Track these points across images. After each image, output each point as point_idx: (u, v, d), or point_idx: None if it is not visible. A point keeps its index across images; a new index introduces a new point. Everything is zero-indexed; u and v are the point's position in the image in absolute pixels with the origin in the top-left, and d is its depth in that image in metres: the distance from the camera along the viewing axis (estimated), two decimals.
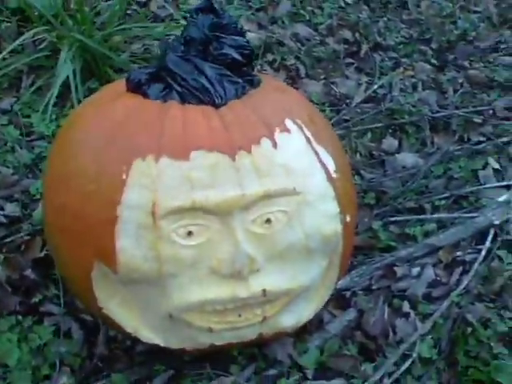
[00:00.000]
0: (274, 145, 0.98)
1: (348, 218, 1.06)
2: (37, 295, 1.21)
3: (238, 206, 0.95)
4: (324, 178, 1.02)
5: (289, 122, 1.02)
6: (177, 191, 0.94)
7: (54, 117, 1.69)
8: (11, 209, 1.42)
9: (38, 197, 1.44)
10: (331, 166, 1.04)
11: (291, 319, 1.07)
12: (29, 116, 1.71)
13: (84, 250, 1.00)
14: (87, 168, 0.99)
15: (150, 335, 1.05)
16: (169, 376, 1.09)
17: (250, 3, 2.28)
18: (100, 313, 1.05)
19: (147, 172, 0.95)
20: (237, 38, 1.10)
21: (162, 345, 1.05)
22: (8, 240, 1.34)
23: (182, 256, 0.96)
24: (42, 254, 1.29)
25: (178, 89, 1.03)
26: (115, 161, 0.97)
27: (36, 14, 1.91)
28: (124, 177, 0.95)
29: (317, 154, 1.03)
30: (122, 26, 1.94)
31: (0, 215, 1.39)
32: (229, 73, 1.05)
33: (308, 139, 1.03)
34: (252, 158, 0.96)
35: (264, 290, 0.99)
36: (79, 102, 1.67)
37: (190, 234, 0.95)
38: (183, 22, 2.09)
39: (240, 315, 1.01)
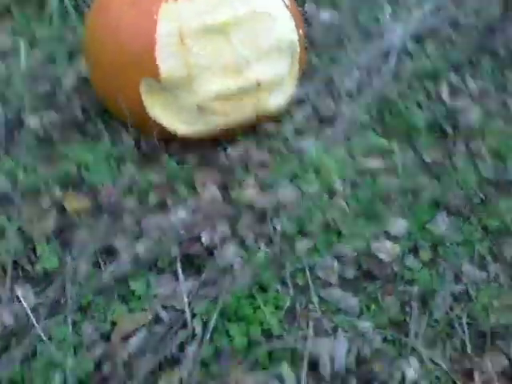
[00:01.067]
0: None
1: (300, 31, 1.62)
2: (90, 127, 1.72)
3: (234, 23, 1.49)
4: (282, 4, 1.57)
5: None
6: (193, 19, 1.46)
7: None
8: None
9: None
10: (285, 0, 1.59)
11: (275, 101, 1.62)
12: None
13: (134, 73, 1.51)
14: (130, 17, 1.50)
15: (184, 128, 1.58)
16: (199, 158, 1.63)
17: None
18: (148, 120, 1.56)
19: (171, 10, 1.47)
20: None
21: (192, 134, 1.58)
22: None
23: (202, 62, 1.49)
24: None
25: None
26: (148, 7, 1.48)
27: None
28: (155, 16, 1.47)
29: None
30: None
31: None
32: None
33: None
34: None
35: (257, 80, 1.54)
36: None
37: (205, 47, 1.48)
38: None
39: (242, 99, 1.56)
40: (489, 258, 1.40)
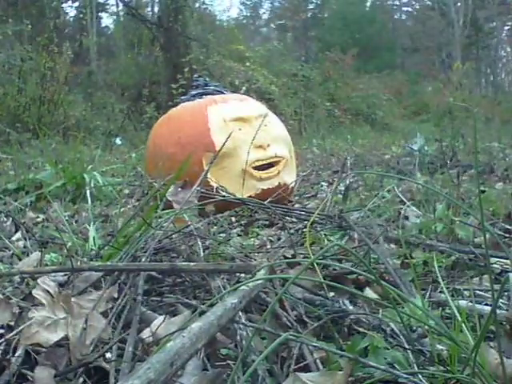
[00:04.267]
0: None
1: None
2: None
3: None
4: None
5: None
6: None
7: None
8: None
9: None
10: None
11: (288, 178, 2.39)
12: None
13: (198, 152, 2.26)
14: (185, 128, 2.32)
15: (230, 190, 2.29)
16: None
17: None
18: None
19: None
20: (214, 85, 2.60)
21: (238, 195, 2.28)
22: None
23: (240, 139, 2.26)
24: None
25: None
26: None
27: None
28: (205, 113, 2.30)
29: None
30: None
31: None
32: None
33: None
34: None
35: (275, 153, 2.33)
36: None
37: (240, 129, 2.28)
38: None
39: (270, 168, 2.32)
40: None
